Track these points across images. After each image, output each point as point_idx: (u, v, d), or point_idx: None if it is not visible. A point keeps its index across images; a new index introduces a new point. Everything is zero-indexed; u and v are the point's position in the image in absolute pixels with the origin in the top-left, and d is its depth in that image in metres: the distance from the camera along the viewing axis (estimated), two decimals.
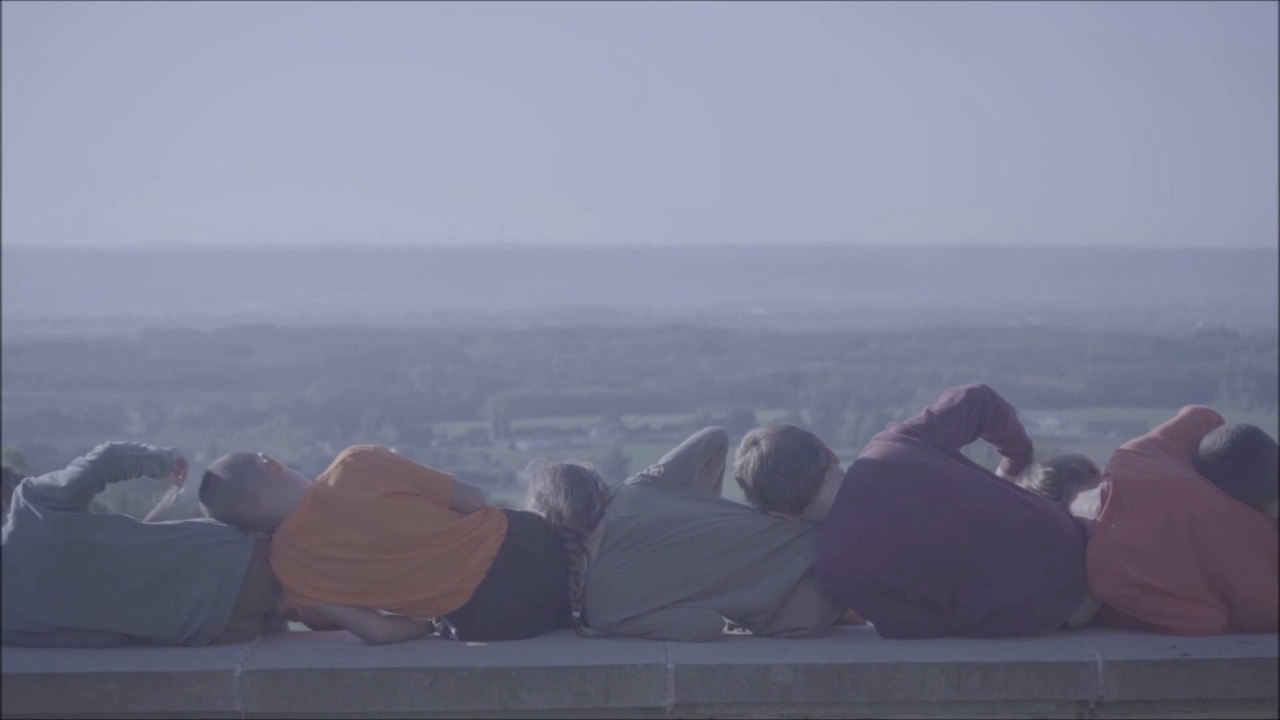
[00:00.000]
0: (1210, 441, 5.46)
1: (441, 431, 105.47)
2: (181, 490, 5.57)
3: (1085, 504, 5.47)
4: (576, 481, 5.37)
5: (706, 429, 5.66)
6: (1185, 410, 5.66)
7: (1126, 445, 5.55)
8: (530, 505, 5.43)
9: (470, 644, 5.27)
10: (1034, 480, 5.62)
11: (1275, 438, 5.63)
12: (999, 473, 5.68)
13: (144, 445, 5.36)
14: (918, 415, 5.49)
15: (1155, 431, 5.59)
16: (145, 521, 5.40)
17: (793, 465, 5.30)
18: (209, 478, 5.37)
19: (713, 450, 5.58)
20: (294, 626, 5.59)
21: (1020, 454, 5.67)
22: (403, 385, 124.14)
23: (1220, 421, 5.63)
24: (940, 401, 5.52)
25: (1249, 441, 5.41)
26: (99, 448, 5.30)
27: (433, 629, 5.41)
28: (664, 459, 5.53)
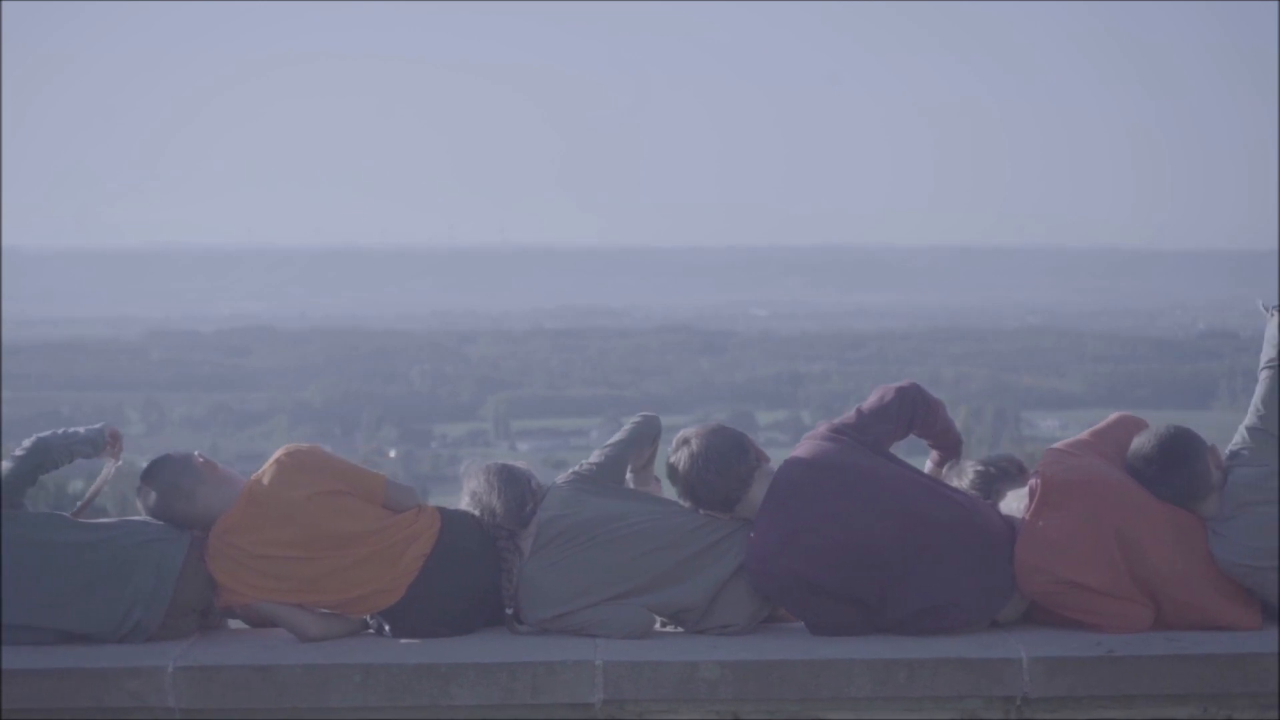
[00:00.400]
0: (1139, 444, 5.50)
1: (442, 432, 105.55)
2: (119, 463, 5.62)
3: (1015, 502, 5.51)
4: (510, 480, 5.43)
5: (639, 417, 5.69)
6: (1114, 416, 5.71)
7: (1057, 444, 5.59)
8: (464, 504, 5.48)
9: (403, 641, 5.32)
10: (964, 479, 5.68)
11: (1207, 439, 5.65)
12: (928, 465, 5.74)
13: (74, 429, 5.42)
14: (848, 414, 5.54)
15: (1085, 434, 5.64)
16: (88, 493, 5.49)
17: (723, 464, 5.35)
18: (145, 476, 5.42)
19: (645, 441, 5.63)
20: (235, 624, 5.62)
21: (949, 448, 5.73)
22: (403, 386, 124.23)
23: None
24: (870, 400, 5.57)
25: (1177, 444, 5.45)
26: (26, 441, 5.36)
27: (367, 626, 5.46)
28: (595, 455, 5.57)
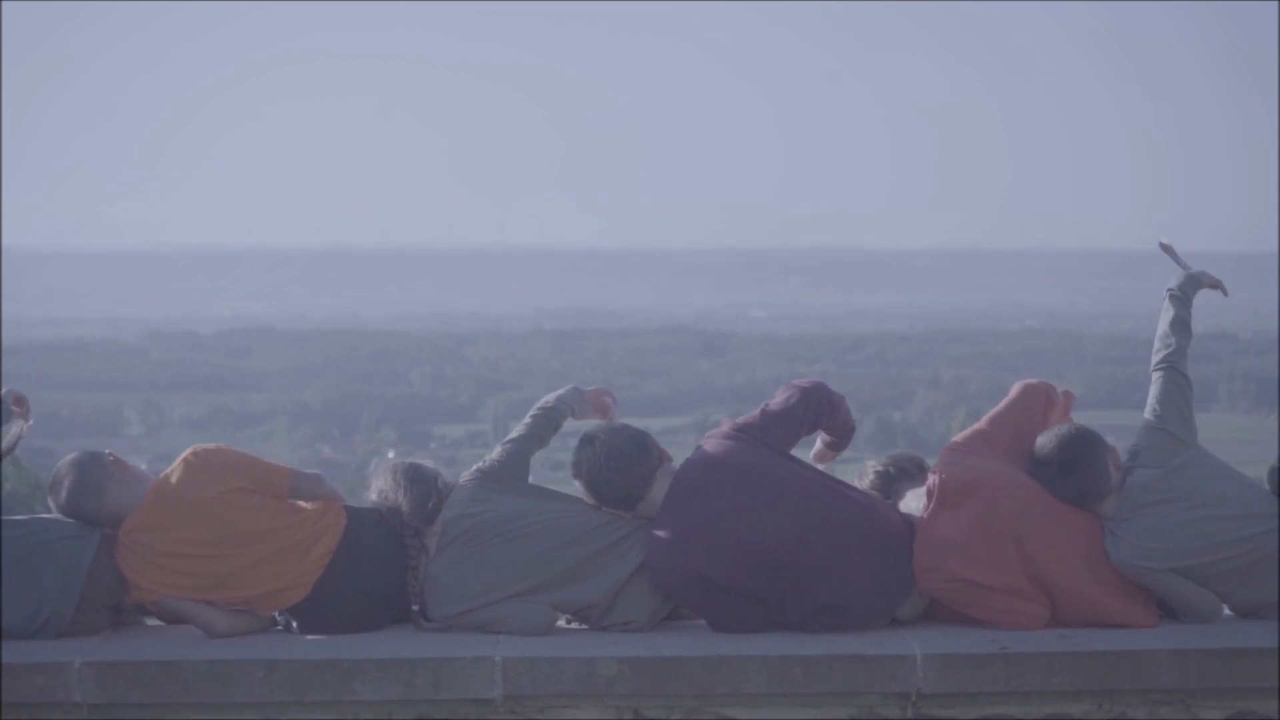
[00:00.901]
0: (1040, 443, 5.55)
1: (441, 433, 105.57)
2: (29, 423, 5.67)
3: (914, 501, 5.58)
4: (416, 479, 5.50)
5: (537, 408, 5.68)
6: (1015, 391, 5.72)
7: (957, 439, 5.64)
8: (372, 502, 5.54)
9: (309, 637, 5.39)
10: (865, 479, 5.76)
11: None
12: (818, 445, 5.81)
13: None
14: (753, 412, 5.59)
15: (984, 421, 5.68)
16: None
17: (624, 463, 5.41)
18: (56, 474, 5.48)
19: (547, 434, 5.67)
20: (153, 621, 5.68)
21: (843, 439, 5.78)
22: (402, 387, 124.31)
23: (1054, 400, 5.68)
24: (777, 400, 5.62)
25: (1077, 446, 5.49)
26: None
27: (276, 623, 5.52)
28: (497, 451, 5.62)
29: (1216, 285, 5.87)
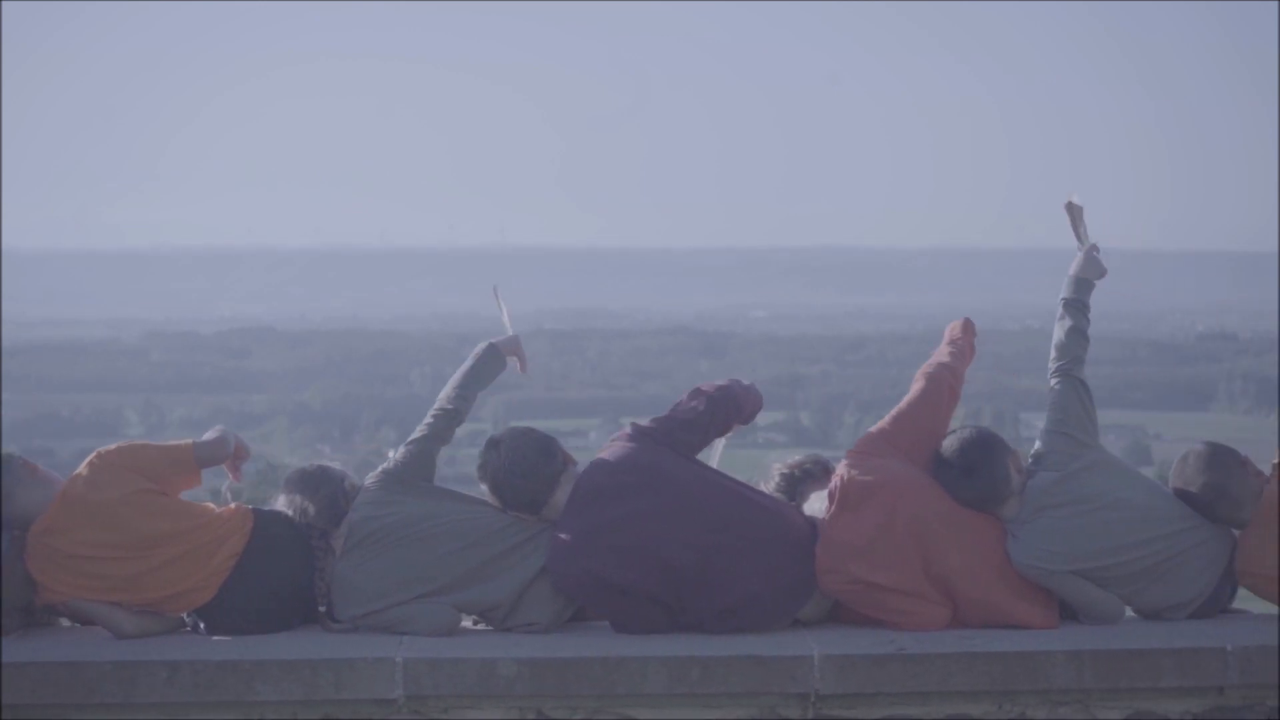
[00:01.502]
0: (942, 447, 5.58)
1: None
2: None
3: (817, 503, 5.63)
4: (323, 481, 5.56)
5: (435, 409, 5.71)
6: (917, 386, 5.72)
7: (861, 440, 5.68)
8: (280, 504, 5.60)
9: (214, 638, 5.45)
10: (771, 481, 5.80)
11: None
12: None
13: None
14: (660, 414, 5.63)
15: (887, 420, 5.72)
16: None
17: (528, 467, 5.47)
18: None
19: (447, 434, 5.70)
20: (67, 622, 5.71)
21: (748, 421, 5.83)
22: (402, 387, 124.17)
23: (956, 392, 5.71)
24: (684, 404, 5.65)
25: (977, 450, 5.53)
26: None
27: (184, 624, 5.58)
28: (400, 451, 5.65)
29: (1103, 274, 5.88)
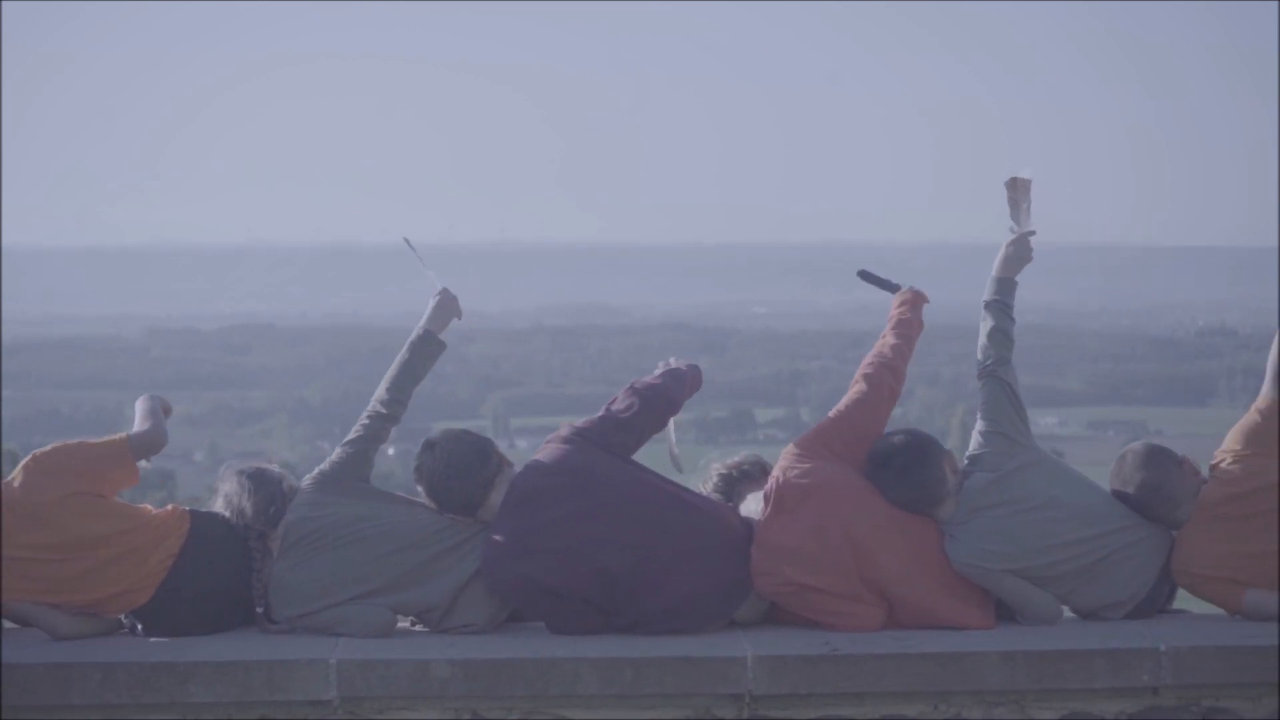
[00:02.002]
0: (876, 449, 5.61)
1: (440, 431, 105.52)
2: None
3: (754, 504, 5.64)
4: (261, 483, 5.57)
5: (368, 413, 5.70)
6: (855, 388, 5.73)
7: (797, 442, 5.68)
8: (218, 506, 5.62)
9: (151, 639, 5.47)
10: (709, 482, 5.82)
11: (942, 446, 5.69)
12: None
13: None
14: (594, 415, 5.63)
15: (827, 420, 5.73)
16: None
17: (463, 469, 5.48)
18: None
19: (383, 435, 5.71)
20: (10, 624, 5.72)
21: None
22: None
23: (896, 392, 5.72)
24: (619, 404, 5.65)
25: (911, 452, 5.55)
26: None
27: (122, 625, 5.59)
28: (337, 453, 5.66)
29: (1028, 259, 5.83)
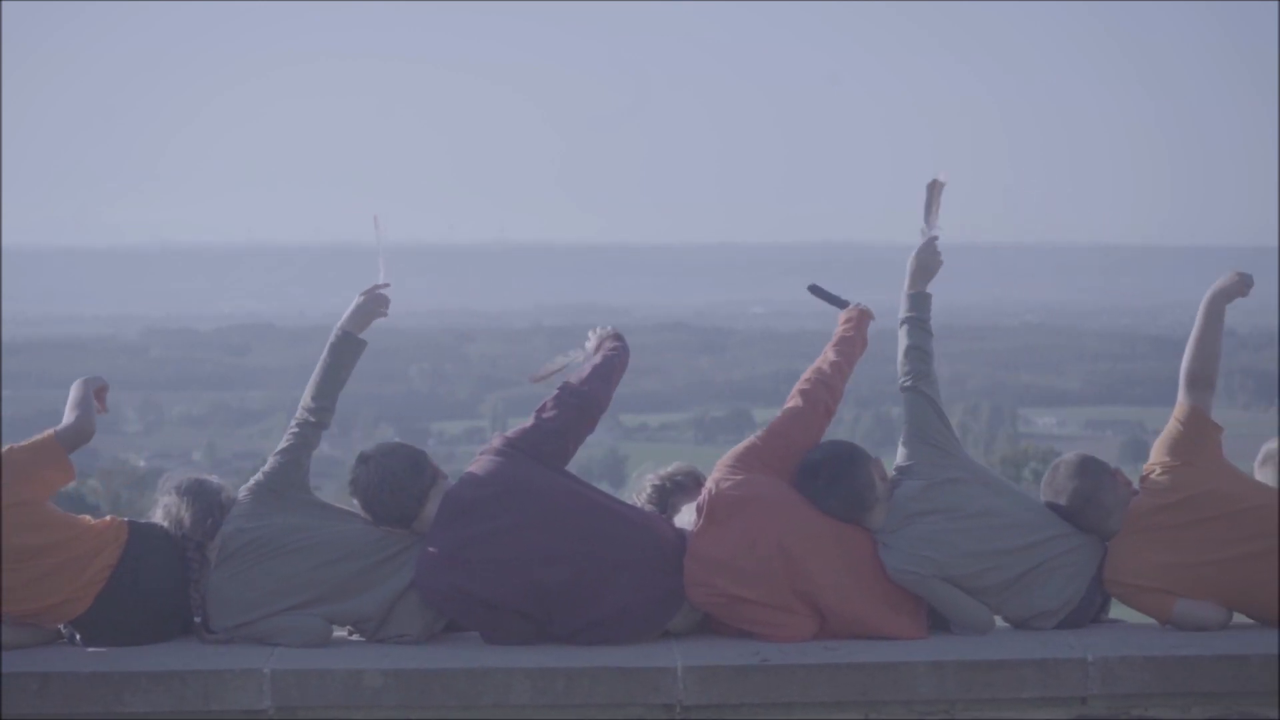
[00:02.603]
0: (804, 461, 5.64)
1: (439, 430, 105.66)
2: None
3: (689, 515, 5.68)
4: (199, 493, 5.61)
5: (295, 423, 5.75)
6: (790, 403, 5.77)
7: (730, 455, 5.71)
8: (157, 516, 5.65)
9: (89, 649, 5.50)
10: (643, 494, 5.85)
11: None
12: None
13: None
14: (525, 423, 5.67)
15: (760, 434, 5.77)
16: None
17: (397, 483, 5.52)
18: None
19: (314, 441, 5.74)
20: None
21: None
22: (401, 384, 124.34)
23: (831, 410, 5.75)
24: (549, 410, 5.68)
25: (837, 461, 5.59)
26: None
27: (61, 635, 5.63)
28: (270, 461, 5.71)
29: (937, 266, 5.87)
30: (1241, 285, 5.96)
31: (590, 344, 5.99)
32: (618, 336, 5.95)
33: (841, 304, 6.03)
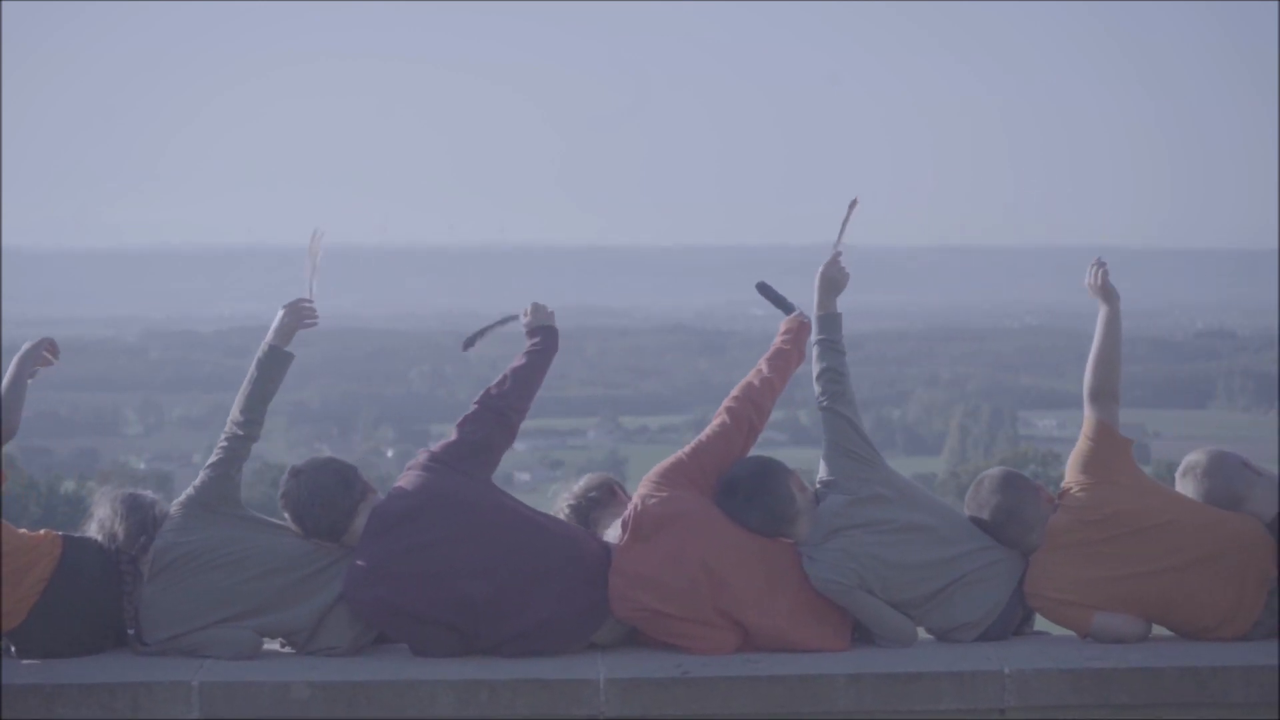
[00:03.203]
0: (723, 478, 5.72)
1: (439, 432, 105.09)
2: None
3: (615, 530, 5.76)
4: (134, 507, 5.71)
5: (225, 436, 5.81)
6: (717, 420, 5.83)
7: (656, 471, 5.79)
8: (91, 530, 5.74)
9: (22, 661, 5.58)
10: (562, 510, 5.94)
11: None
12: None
13: None
14: (449, 437, 5.75)
15: (686, 450, 5.84)
16: None
17: (327, 497, 5.62)
18: None
19: (244, 455, 5.81)
20: None
21: None
22: (401, 386, 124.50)
23: (756, 428, 5.82)
24: (469, 424, 5.76)
25: (754, 476, 5.67)
26: None
27: None
28: (201, 476, 5.78)
29: (844, 282, 5.93)
30: (1101, 283, 6.23)
31: (525, 320, 6.09)
32: (543, 330, 6.01)
33: (789, 308, 6.05)
